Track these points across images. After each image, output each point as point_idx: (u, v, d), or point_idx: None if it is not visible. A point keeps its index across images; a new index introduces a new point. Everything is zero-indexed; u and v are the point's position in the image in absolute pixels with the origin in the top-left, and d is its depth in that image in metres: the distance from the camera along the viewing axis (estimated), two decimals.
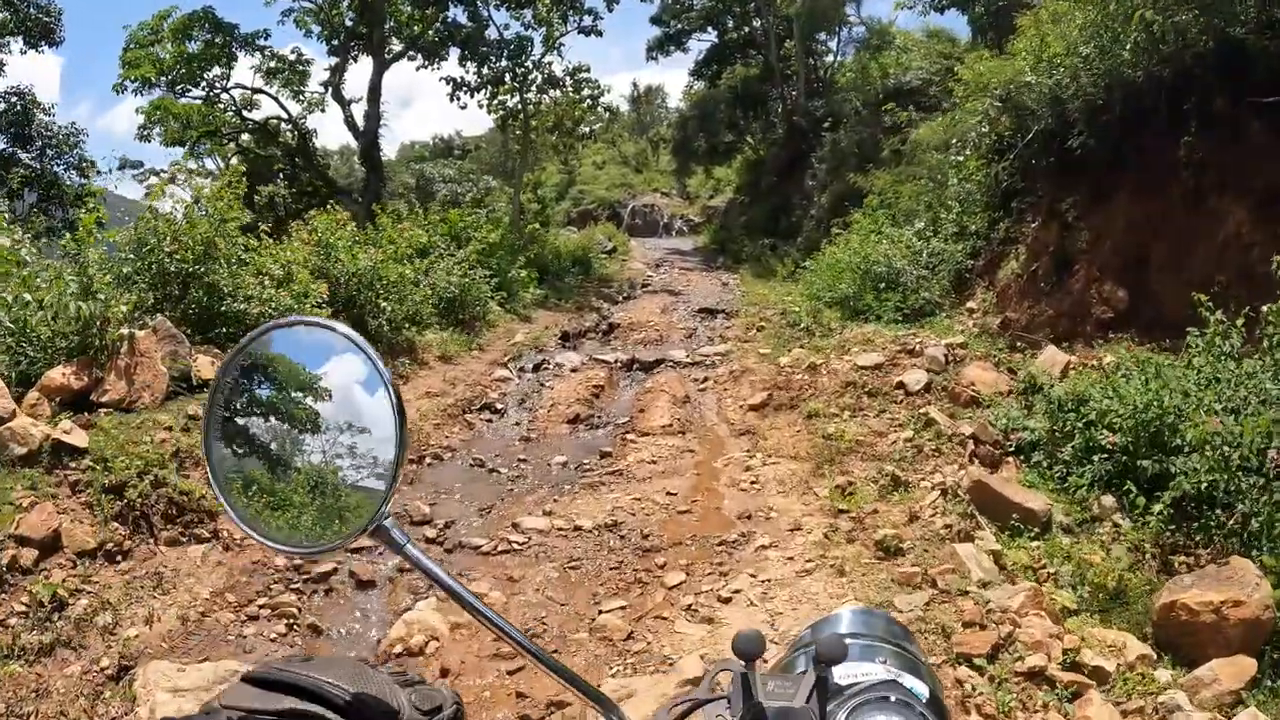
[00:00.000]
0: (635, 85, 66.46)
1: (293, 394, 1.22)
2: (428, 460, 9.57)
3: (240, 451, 1.23)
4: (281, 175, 30.83)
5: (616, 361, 13.73)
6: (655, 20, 38.03)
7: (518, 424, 11.03)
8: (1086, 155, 10.94)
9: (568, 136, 29.46)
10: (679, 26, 37.97)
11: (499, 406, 11.64)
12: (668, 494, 7.86)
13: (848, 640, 1.16)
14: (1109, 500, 7.11)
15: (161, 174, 31.52)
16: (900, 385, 10.13)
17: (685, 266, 29.35)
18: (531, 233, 25.82)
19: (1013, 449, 8.30)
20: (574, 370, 13.28)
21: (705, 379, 12.62)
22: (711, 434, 10.08)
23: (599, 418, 11.09)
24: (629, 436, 10.08)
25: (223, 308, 10.35)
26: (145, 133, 28.39)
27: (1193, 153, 9.37)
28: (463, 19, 26.65)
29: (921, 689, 1.13)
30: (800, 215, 29.89)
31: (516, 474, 9.06)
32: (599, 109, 29.26)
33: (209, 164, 30.96)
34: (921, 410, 9.14)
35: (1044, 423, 8.31)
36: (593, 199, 50.82)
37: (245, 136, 30.75)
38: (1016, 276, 12.99)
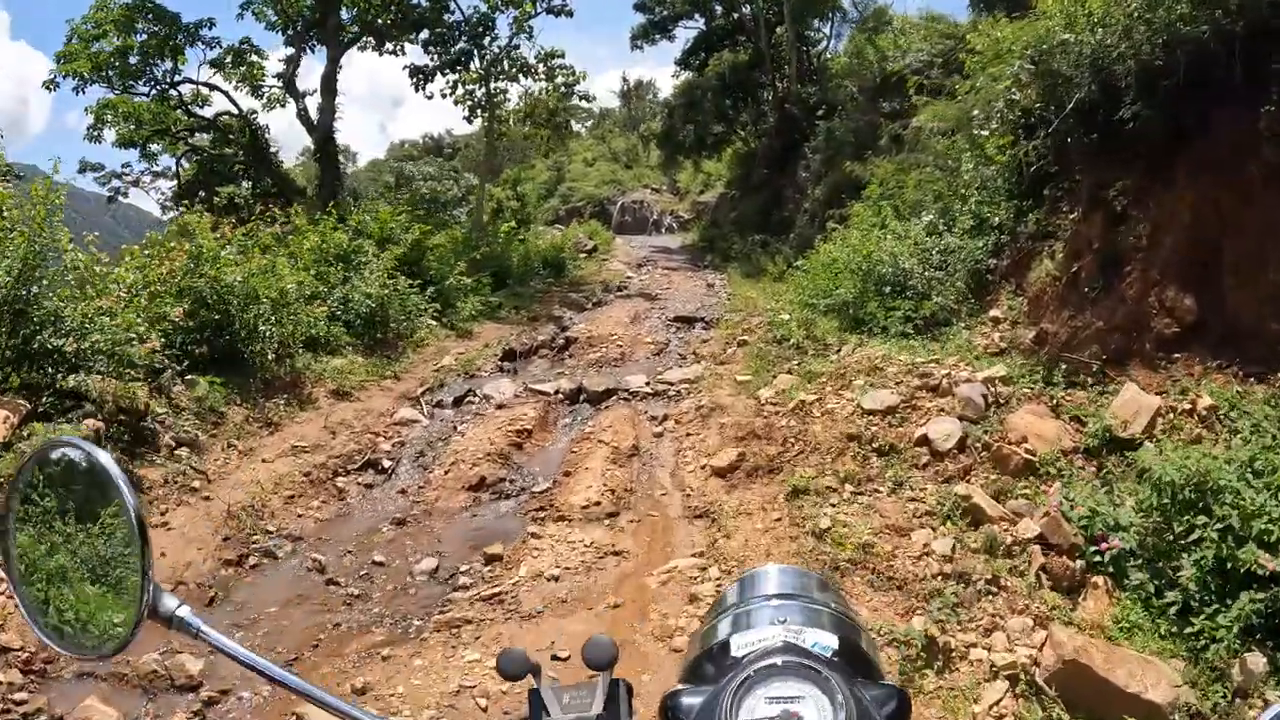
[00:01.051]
0: (625, 79, 63.20)
1: (63, 507, 1.29)
2: (251, 560, 6.45)
3: (35, 556, 1.29)
4: (244, 175, 27.72)
5: (558, 392, 10.58)
6: (639, 6, 34.76)
7: (404, 491, 7.92)
8: (1139, 129, 8.35)
9: (542, 128, 26.20)
10: (664, 13, 34.68)
11: (387, 464, 8.53)
12: (556, 657, 4.67)
13: (752, 607, 1.20)
14: (1258, 662, 4.07)
15: (125, 176, 29.00)
16: (924, 441, 7.02)
17: (670, 266, 26.18)
18: (504, 232, 22.78)
19: (1098, 558, 5.15)
20: (502, 406, 10.14)
21: (664, 418, 9.47)
22: (657, 516, 6.94)
23: (512, 482, 7.97)
24: (541, 517, 6.99)
25: (36, 344, 7.75)
26: (95, 133, 25.47)
27: (1275, 124, 7.19)
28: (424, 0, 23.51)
29: (828, 641, 1.11)
30: (793, 209, 27.40)
31: (359, 591, 5.90)
32: (575, 98, 25.89)
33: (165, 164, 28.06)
34: (958, 490, 5.96)
35: (1144, 517, 5.18)
36: (582, 196, 47.82)
37: (200, 135, 27.64)
38: (1053, 279, 9.89)
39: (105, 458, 1.22)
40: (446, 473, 8.12)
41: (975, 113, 12.25)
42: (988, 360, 8.96)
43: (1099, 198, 9.26)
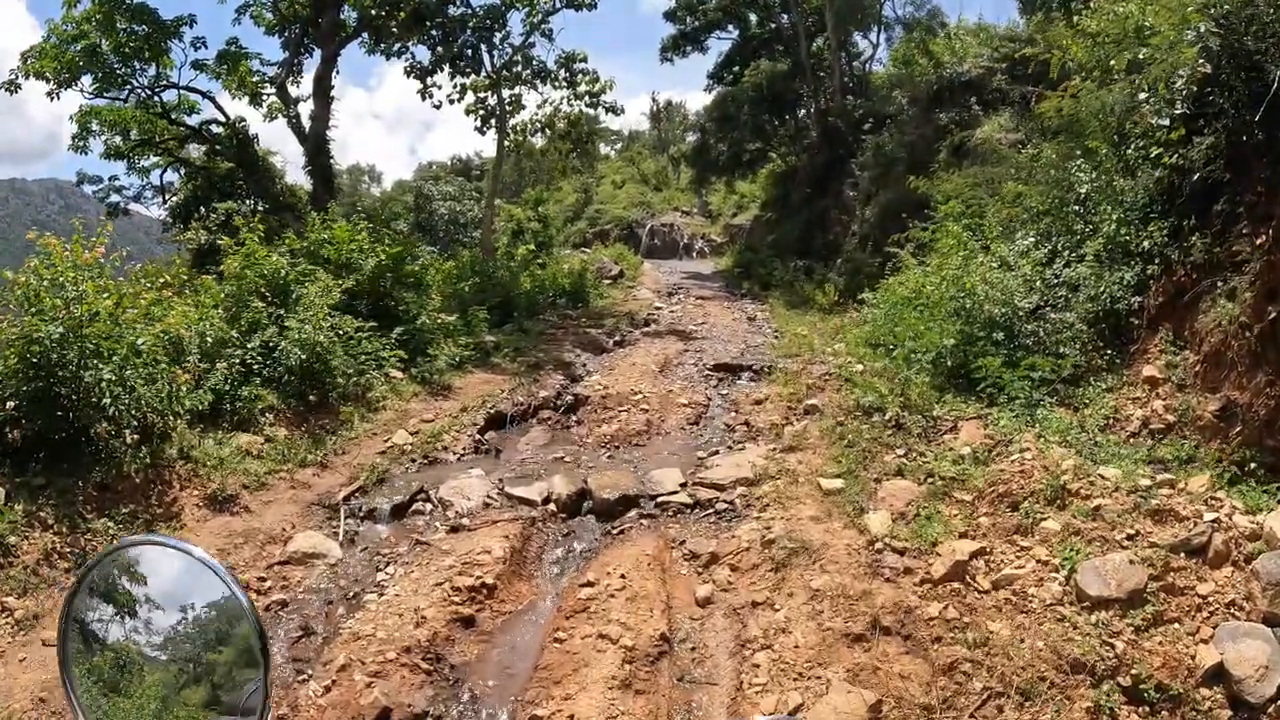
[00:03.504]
0: (654, 100, 59.58)
1: (141, 617, 1.21)
2: None
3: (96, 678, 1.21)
4: (246, 190, 24.24)
5: (548, 499, 6.75)
6: (669, 16, 31.01)
7: None
8: None
9: (563, 140, 22.47)
10: (695, 24, 30.90)
11: None
12: None
13: None
14: None
15: (124, 191, 25.72)
16: (1216, 677, 3.22)
17: (703, 295, 22.30)
18: (521, 256, 19.05)
19: None
20: (458, 529, 6.31)
21: (711, 560, 5.60)
22: None
23: None
24: None
25: None
26: (81, 143, 22.27)
27: None
28: None
29: None
30: (840, 232, 24.04)
31: None
32: (600, 108, 21.99)
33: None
34: None
35: None
36: (609, 219, 44.14)
37: (190, 148, 24.29)
38: (1237, 328, 6.45)
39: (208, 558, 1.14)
40: (327, 690, 4.29)
41: (1144, 96, 8.39)
42: (1258, 490, 5.04)
43: None
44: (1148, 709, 3.69)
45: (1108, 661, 3.88)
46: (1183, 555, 4.41)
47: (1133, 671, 3.80)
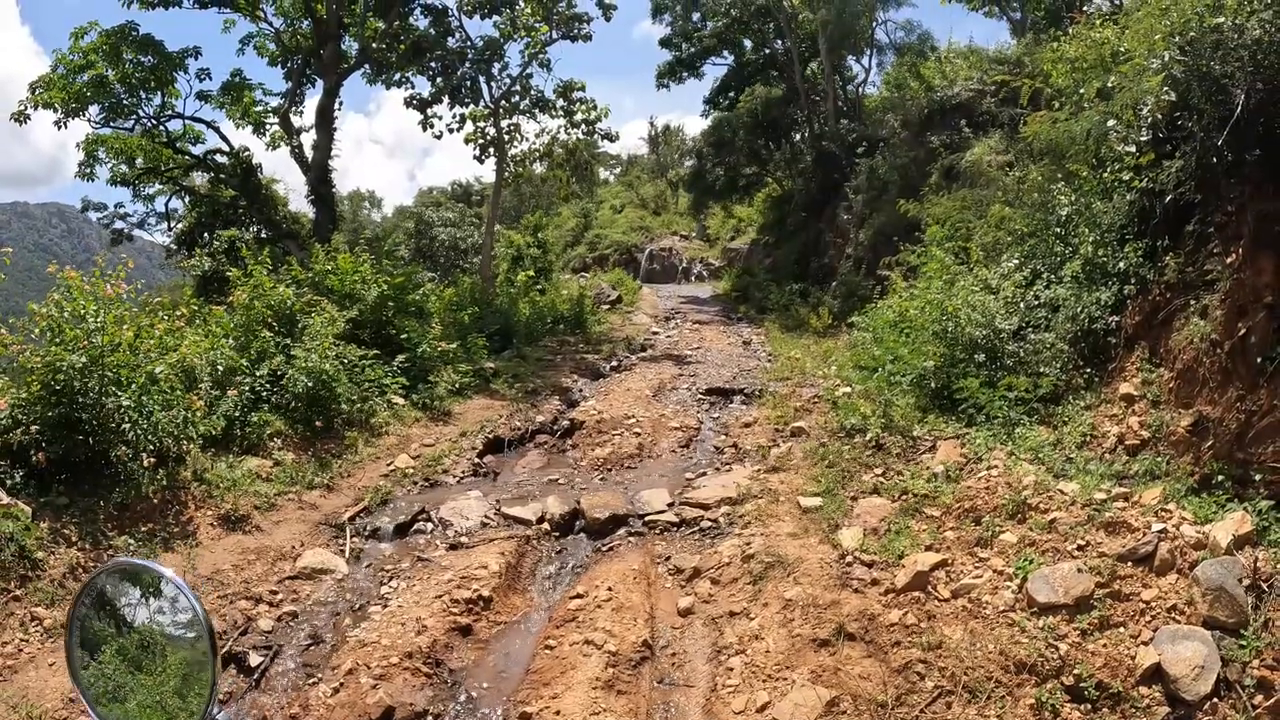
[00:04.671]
0: (652, 124, 60.34)
1: (127, 624, 1.59)
2: None
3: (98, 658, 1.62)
4: (249, 218, 24.75)
5: (543, 519, 7.18)
6: (665, 43, 31.70)
7: None
8: None
9: (560, 169, 22.98)
10: (691, 50, 31.56)
11: (256, 660, 5.13)
12: None
13: None
14: None
15: (128, 218, 26.25)
16: (1155, 675, 3.64)
17: (700, 319, 22.75)
18: (521, 282, 19.50)
19: None
20: (457, 546, 6.74)
21: (694, 574, 6.02)
22: None
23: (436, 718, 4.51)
24: None
25: None
26: (87, 170, 22.77)
27: None
28: (429, 28, 20.58)
29: None
30: (835, 255, 24.52)
31: None
32: (597, 136, 22.54)
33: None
34: None
35: None
36: (609, 243, 44.64)
37: (195, 176, 24.85)
38: (1209, 345, 6.65)
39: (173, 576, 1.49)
40: (336, 691, 4.70)
41: (1111, 124, 8.80)
42: (1209, 501, 5.44)
43: (1267, 234, 6.28)
44: (1089, 706, 4.08)
45: (1052, 662, 4.27)
46: (1130, 564, 4.81)
47: (1075, 671, 4.19)
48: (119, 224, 25.26)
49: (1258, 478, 5.31)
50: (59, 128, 20.72)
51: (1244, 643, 4.22)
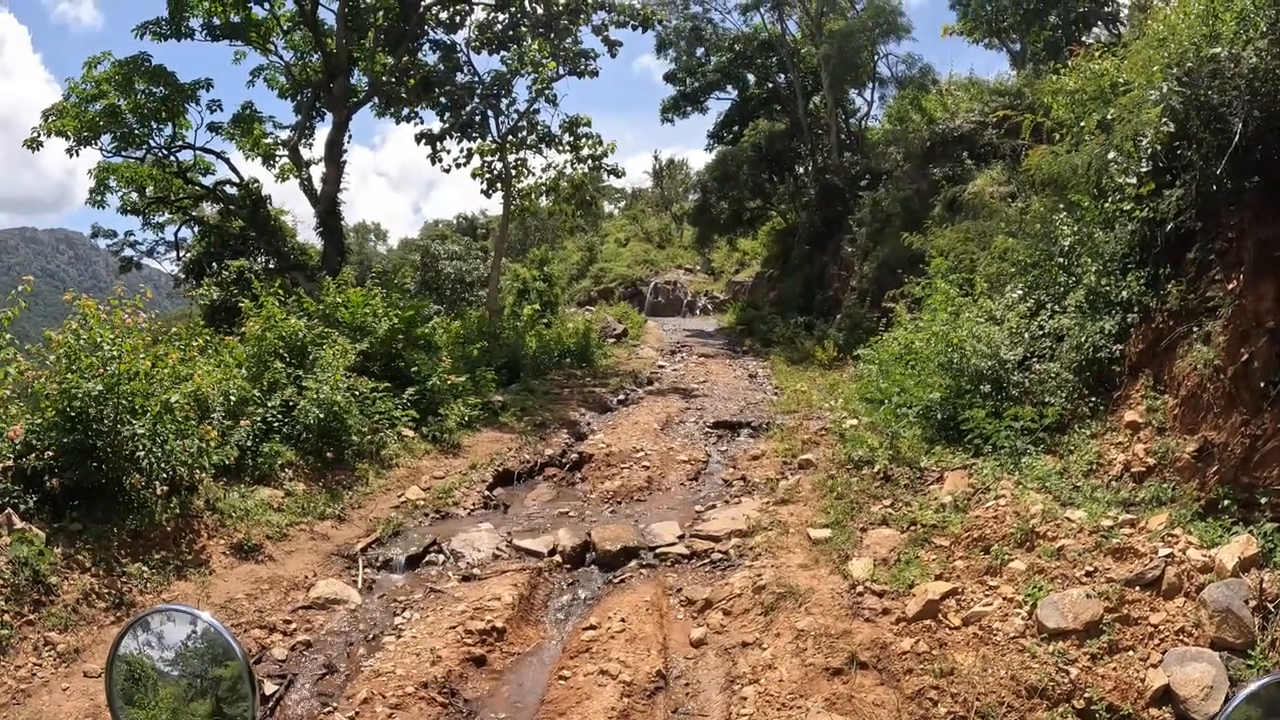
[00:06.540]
0: (656, 158, 60.92)
1: (167, 665, 1.67)
2: None
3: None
4: (258, 248, 24.98)
5: (554, 551, 7.26)
6: (669, 78, 32.13)
7: None
8: None
9: (566, 203, 23.22)
10: (695, 85, 32.01)
11: (271, 687, 5.17)
12: None
13: None
14: None
15: (137, 246, 26.48)
16: (1165, 698, 3.74)
17: (706, 353, 22.91)
18: (527, 316, 19.65)
19: None
20: (470, 577, 6.81)
21: (705, 606, 6.09)
22: None
23: None
24: None
25: None
26: (98, 198, 23.11)
27: None
28: (438, 63, 20.97)
29: None
30: (839, 288, 24.72)
31: None
32: (603, 171, 22.85)
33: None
34: None
35: None
36: (614, 277, 44.97)
37: (205, 206, 25.12)
38: (1213, 371, 6.66)
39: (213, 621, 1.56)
40: (352, 719, 4.76)
41: (1111, 156, 8.93)
42: (1215, 525, 5.52)
43: (1268, 260, 6.36)
44: None
45: (1063, 686, 4.35)
46: (1138, 588, 4.89)
47: (1085, 695, 4.27)
48: (128, 251, 25.53)
49: (1263, 501, 5.39)
50: (71, 155, 21.04)
51: (1251, 662, 4.32)
